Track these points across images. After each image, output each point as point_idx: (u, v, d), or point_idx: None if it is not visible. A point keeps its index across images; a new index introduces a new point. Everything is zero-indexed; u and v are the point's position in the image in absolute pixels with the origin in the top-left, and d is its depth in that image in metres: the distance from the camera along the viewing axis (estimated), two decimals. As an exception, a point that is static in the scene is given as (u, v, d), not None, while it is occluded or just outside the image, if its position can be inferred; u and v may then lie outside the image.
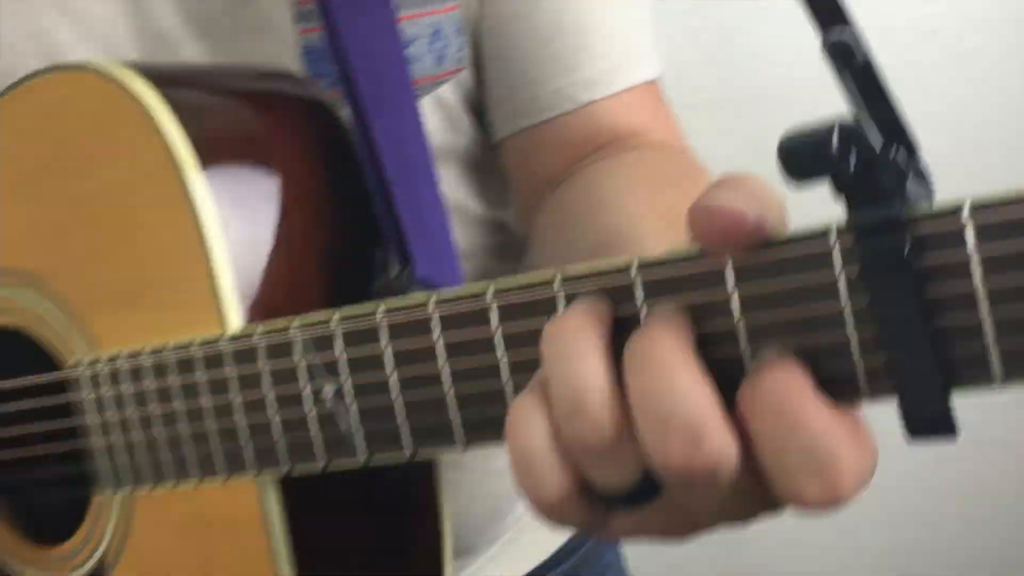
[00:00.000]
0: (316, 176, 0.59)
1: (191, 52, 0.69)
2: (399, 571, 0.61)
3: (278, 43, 0.70)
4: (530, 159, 0.77)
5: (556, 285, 0.42)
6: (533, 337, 0.42)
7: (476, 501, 0.81)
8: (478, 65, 0.77)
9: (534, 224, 0.75)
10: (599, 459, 0.38)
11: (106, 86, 0.56)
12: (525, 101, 0.75)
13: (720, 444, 0.35)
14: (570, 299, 0.41)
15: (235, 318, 0.53)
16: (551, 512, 0.39)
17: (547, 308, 0.42)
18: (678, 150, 0.77)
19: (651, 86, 0.78)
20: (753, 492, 0.37)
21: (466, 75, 0.77)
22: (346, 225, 0.60)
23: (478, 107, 0.79)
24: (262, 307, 0.54)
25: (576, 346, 0.38)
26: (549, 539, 0.89)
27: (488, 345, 0.43)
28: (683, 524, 0.40)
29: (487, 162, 0.81)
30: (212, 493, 0.55)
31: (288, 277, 0.56)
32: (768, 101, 1.57)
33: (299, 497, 0.54)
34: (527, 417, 0.39)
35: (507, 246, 0.83)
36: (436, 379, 0.45)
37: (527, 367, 0.42)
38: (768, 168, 0.37)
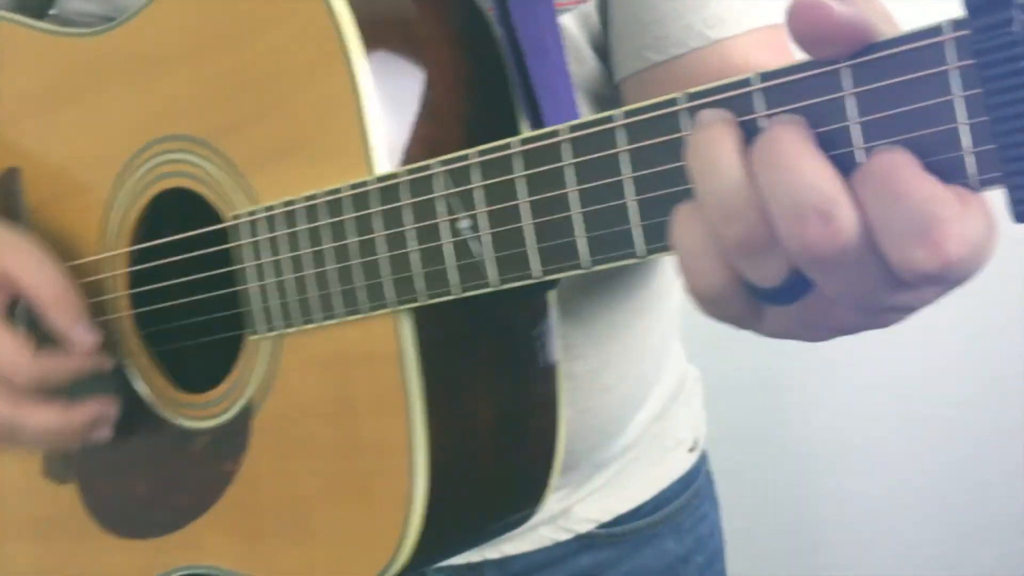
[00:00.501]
0: (456, 42, 0.64)
1: None
2: (516, 441, 0.65)
3: None
4: (657, 95, 0.80)
5: (681, 103, 0.45)
6: (657, 153, 0.45)
7: (586, 415, 0.84)
8: (604, 2, 0.80)
9: None
10: (750, 255, 0.42)
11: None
12: (654, 37, 0.78)
13: (847, 219, 0.38)
14: (692, 116, 0.44)
15: (382, 163, 0.58)
16: (711, 304, 0.43)
17: (670, 127, 0.45)
18: None
19: (778, 30, 0.79)
20: (879, 274, 0.40)
21: (590, 9, 0.80)
22: (482, 92, 0.65)
23: (601, 46, 0.82)
24: (407, 160, 0.59)
25: (715, 156, 0.42)
26: (651, 481, 0.92)
27: (614, 164, 0.47)
28: (826, 322, 0.44)
29: (608, 96, 0.85)
30: (352, 331, 0.61)
31: (430, 135, 0.61)
32: None
33: (433, 335, 0.59)
34: (687, 222, 0.43)
35: None
36: (564, 200, 0.49)
37: (650, 183, 0.46)
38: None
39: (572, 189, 0.49)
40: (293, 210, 0.61)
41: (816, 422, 1.67)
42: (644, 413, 0.91)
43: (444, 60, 0.63)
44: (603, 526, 0.89)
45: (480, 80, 0.64)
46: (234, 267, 0.65)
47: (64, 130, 0.77)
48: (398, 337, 0.58)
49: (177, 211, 0.72)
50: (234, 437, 0.68)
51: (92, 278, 0.76)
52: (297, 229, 0.61)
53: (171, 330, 0.75)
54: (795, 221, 0.39)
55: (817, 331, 0.45)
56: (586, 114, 0.81)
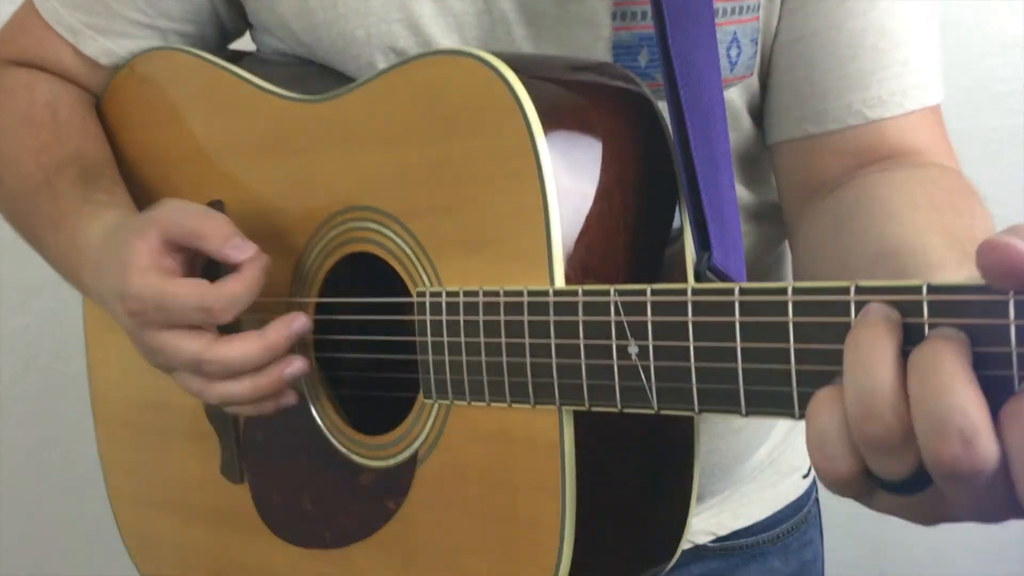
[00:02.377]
0: (635, 160, 0.70)
1: (520, 34, 0.81)
2: (656, 504, 0.72)
3: (594, 36, 0.80)
4: (809, 161, 0.84)
5: (851, 293, 0.49)
6: (820, 332, 0.50)
7: (714, 454, 0.91)
8: (766, 72, 0.84)
9: (807, 222, 0.82)
10: (881, 453, 0.45)
11: (481, 69, 0.68)
12: (813, 112, 0.81)
13: (987, 450, 0.42)
14: (858, 306, 0.49)
15: (560, 276, 0.65)
16: (833, 484, 0.48)
17: (839, 311, 0.50)
18: (957, 173, 0.81)
19: (935, 109, 0.82)
20: (1003, 496, 0.44)
21: (752, 81, 0.84)
22: (652, 206, 0.70)
23: (758, 111, 0.86)
24: (579, 267, 0.66)
25: (872, 355, 0.46)
26: (766, 503, 0.98)
27: (782, 332, 0.52)
28: (936, 514, 0.48)
29: (756, 156, 0.89)
30: (517, 415, 0.68)
31: (603, 245, 0.67)
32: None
33: (588, 430, 0.66)
34: (827, 407, 0.47)
35: (767, 234, 0.91)
36: (732, 353, 0.54)
37: (810, 357, 0.51)
38: None
39: (739, 344, 0.54)
40: (477, 302, 0.68)
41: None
42: (766, 447, 0.97)
43: (621, 172, 0.68)
44: (717, 539, 0.97)
45: (653, 199, 0.69)
46: (413, 337, 0.73)
47: (269, 179, 0.86)
48: (560, 430, 0.65)
49: (363, 273, 0.80)
50: (398, 480, 0.77)
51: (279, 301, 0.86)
52: (479, 319, 0.68)
53: (349, 378, 0.83)
54: (937, 437, 0.42)
55: (926, 519, 0.48)
56: (737, 178, 0.87)
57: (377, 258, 0.78)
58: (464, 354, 0.69)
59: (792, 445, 1.00)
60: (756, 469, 0.97)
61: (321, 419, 0.84)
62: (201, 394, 0.77)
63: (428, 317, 0.72)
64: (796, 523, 1.01)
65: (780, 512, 1.00)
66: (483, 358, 0.68)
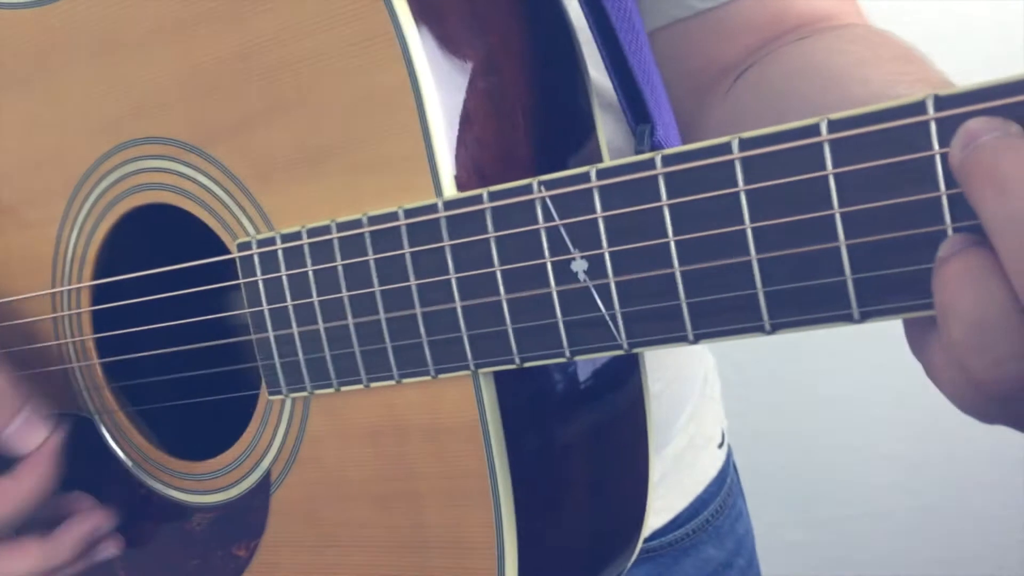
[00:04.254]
0: (519, 20, 0.50)
1: None
2: (608, 491, 0.53)
3: None
4: (701, 47, 0.67)
5: (929, 110, 0.32)
6: (886, 180, 0.33)
7: None
8: None
9: (715, 118, 0.66)
10: None
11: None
12: None
13: None
14: (944, 128, 0.32)
15: (449, 181, 0.44)
16: (994, 397, 0.30)
17: (912, 141, 0.32)
18: (889, 32, 0.67)
19: None
20: None
21: None
22: (552, 80, 0.51)
23: None
24: (472, 169, 0.46)
25: None
26: (687, 489, 0.81)
27: (819, 192, 0.34)
28: None
29: None
30: (409, 396, 0.47)
31: (498, 136, 0.47)
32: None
33: (515, 400, 0.46)
34: (980, 282, 0.30)
35: None
36: (740, 242, 0.36)
37: (883, 219, 0.33)
38: None
39: (748, 225, 0.36)
40: (330, 239, 0.47)
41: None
42: (684, 417, 0.80)
43: (510, 44, 0.49)
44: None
45: (553, 72, 0.50)
46: (241, 311, 0.51)
47: (4, 129, 0.61)
48: (479, 407, 0.45)
49: (155, 234, 0.57)
50: (245, 517, 0.54)
51: (43, 317, 0.61)
52: (336, 264, 0.47)
53: (154, 385, 0.60)
54: None
55: None
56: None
57: (171, 209, 0.55)
58: (320, 319, 0.48)
59: (703, 413, 0.84)
60: (677, 449, 0.80)
61: (121, 448, 0.60)
62: None
63: (260, 276, 0.50)
64: (722, 500, 0.84)
65: (703, 493, 0.82)
66: (349, 320, 0.47)
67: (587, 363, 0.50)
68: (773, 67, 0.62)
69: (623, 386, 0.53)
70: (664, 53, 0.69)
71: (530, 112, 0.50)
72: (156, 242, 0.58)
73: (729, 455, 0.87)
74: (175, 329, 0.57)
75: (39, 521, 0.55)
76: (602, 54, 0.49)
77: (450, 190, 0.44)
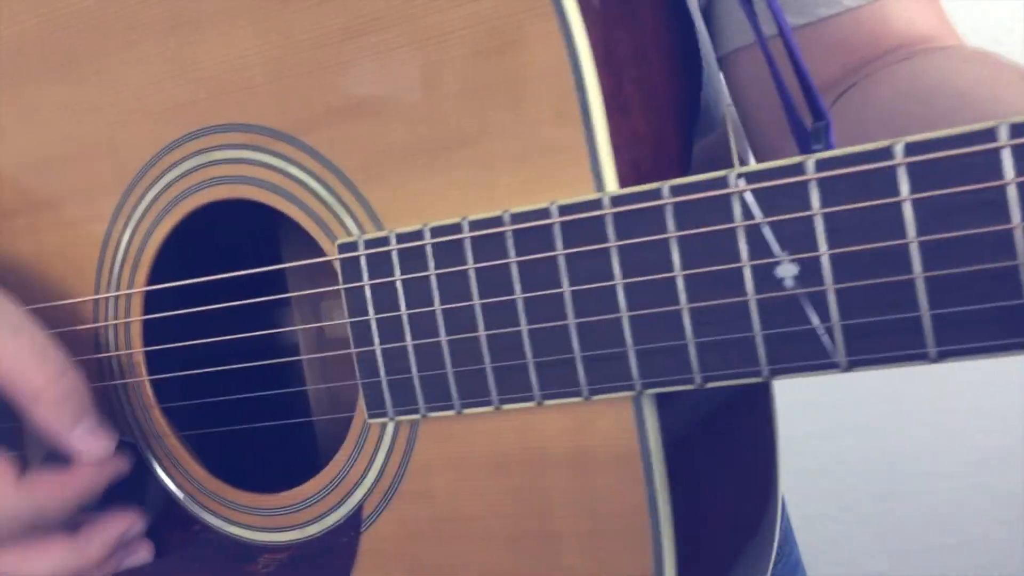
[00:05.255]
0: (657, 13, 0.45)
1: None
2: (748, 529, 0.47)
3: None
4: None
5: None
6: None
7: None
8: None
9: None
10: None
11: None
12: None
13: None
14: None
15: (611, 175, 0.39)
16: None
17: None
18: (999, 55, 0.63)
19: None
20: None
21: None
22: (684, 78, 0.46)
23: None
24: (630, 164, 0.40)
25: None
26: None
27: None
28: None
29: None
30: (553, 420, 0.41)
31: (652, 129, 0.42)
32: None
33: (673, 426, 0.40)
34: None
35: None
36: (1007, 244, 0.31)
37: None
38: None
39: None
40: (460, 240, 0.41)
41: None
42: None
43: (659, 35, 0.44)
44: None
45: (683, 70, 0.45)
46: (341, 320, 0.44)
47: (36, 115, 0.54)
48: (639, 434, 0.39)
49: (226, 236, 0.50)
50: (326, 558, 0.48)
51: (84, 327, 0.54)
52: (467, 268, 0.41)
53: (214, 409, 0.53)
54: None
55: None
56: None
57: (249, 207, 0.48)
58: (444, 331, 0.42)
59: None
60: None
61: (171, 477, 0.53)
62: None
63: (367, 281, 0.43)
64: (777, 550, 0.79)
65: None
66: (481, 332, 0.41)
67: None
68: (882, 87, 0.59)
69: (756, 410, 0.48)
70: (749, 73, 0.65)
71: (676, 110, 0.45)
72: (225, 244, 0.51)
73: (783, 505, 0.83)
74: (232, 347, 0.50)
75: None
76: (788, 50, 0.44)
77: (612, 185, 0.39)
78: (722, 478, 0.45)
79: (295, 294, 0.47)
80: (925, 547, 1.56)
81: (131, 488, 0.51)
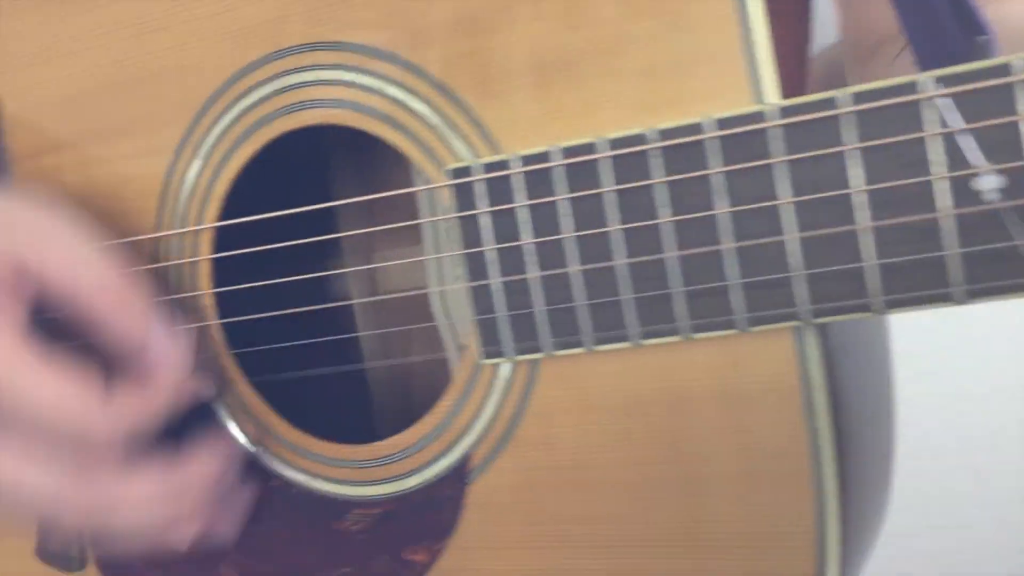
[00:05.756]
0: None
1: None
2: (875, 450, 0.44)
3: None
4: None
5: None
6: None
7: None
8: None
9: None
10: None
11: None
12: None
13: None
14: None
15: (771, 87, 0.36)
16: None
17: None
18: None
19: None
20: None
21: None
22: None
23: None
24: (784, 79, 0.37)
25: None
26: None
27: None
28: None
29: None
30: (694, 359, 0.38)
31: (793, 43, 0.39)
32: None
33: (832, 360, 0.37)
34: None
35: None
36: None
37: None
38: None
39: None
40: (595, 160, 0.37)
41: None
42: None
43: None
44: None
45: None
46: (444, 253, 0.41)
47: (89, 37, 0.50)
48: (801, 369, 0.36)
49: (310, 167, 0.46)
50: (427, 513, 0.44)
51: (146, 267, 0.49)
52: (605, 191, 0.37)
53: (268, 356, 0.49)
54: None
55: None
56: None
57: (337, 133, 0.44)
58: (578, 260, 0.38)
59: None
60: None
61: (242, 429, 0.49)
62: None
63: (485, 209, 0.40)
64: None
65: None
66: (619, 260, 0.37)
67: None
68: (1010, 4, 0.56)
69: (879, 342, 0.45)
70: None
71: (803, 18, 0.41)
72: (302, 178, 0.47)
73: None
74: (292, 291, 0.46)
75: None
76: None
77: (773, 95, 0.36)
78: (858, 424, 0.42)
79: (383, 227, 0.43)
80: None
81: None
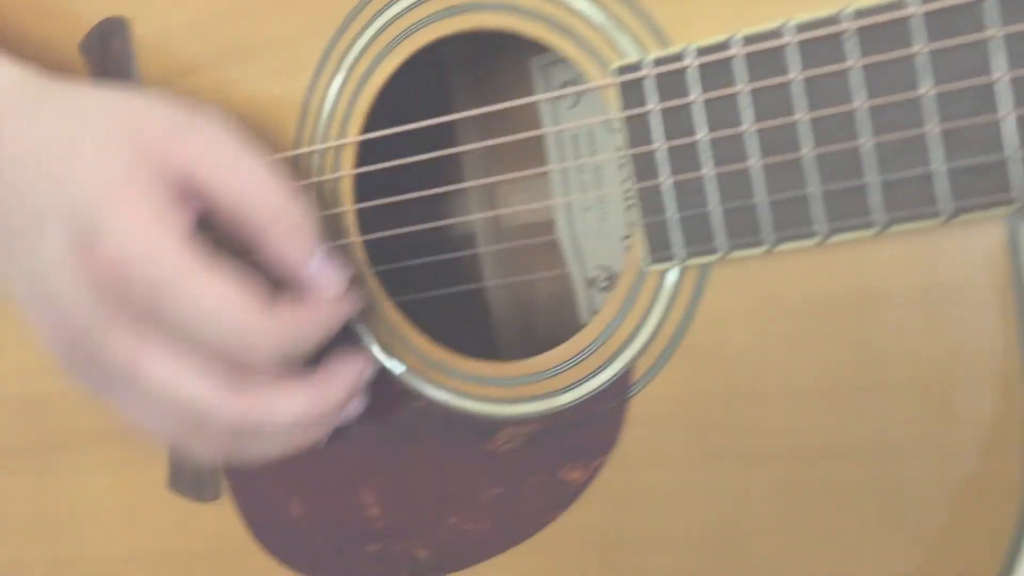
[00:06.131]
0: None
1: None
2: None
3: None
4: None
5: None
6: None
7: None
8: None
9: None
10: None
11: None
12: None
13: None
14: None
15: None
16: None
17: None
18: None
19: None
20: None
21: None
22: None
23: None
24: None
25: None
26: None
27: None
28: None
29: None
30: (885, 254, 0.36)
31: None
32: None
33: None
34: None
35: None
36: None
37: None
38: None
39: None
40: (781, 46, 0.35)
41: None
42: None
43: None
44: None
45: None
46: (616, 153, 0.39)
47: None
48: (1015, 261, 0.34)
49: (458, 77, 0.45)
50: (585, 429, 0.43)
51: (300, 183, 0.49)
52: (793, 78, 0.35)
53: (413, 272, 0.48)
54: None
55: None
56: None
57: (489, 39, 0.43)
58: (760, 153, 0.37)
59: None
60: None
61: (389, 351, 0.48)
62: (180, 443, 0.44)
63: (656, 106, 0.38)
64: None
65: None
66: (807, 151, 0.36)
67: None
68: None
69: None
70: None
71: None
72: (458, 86, 0.46)
73: None
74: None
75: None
76: None
77: (981, -31, 0.33)
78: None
79: (551, 129, 0.41)
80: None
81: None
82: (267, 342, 0.39)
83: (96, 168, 0.40)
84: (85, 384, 0.43)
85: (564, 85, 0.55)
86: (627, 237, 0.53)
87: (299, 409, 0.42)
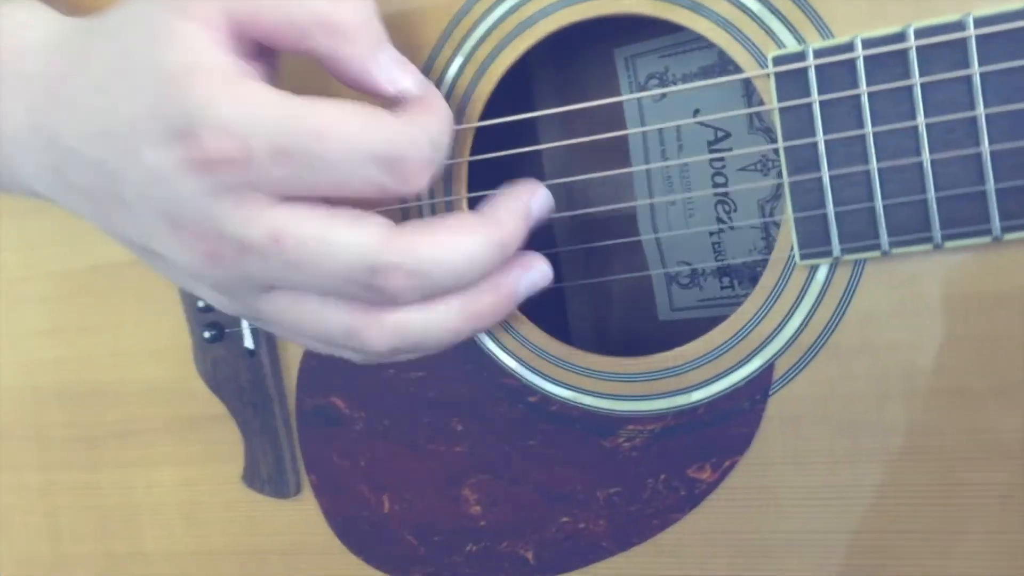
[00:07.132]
0: None
1: None
2: None
3: None
4: None
5: None
6: None
7: None
8: None
9: None
10: None
11: None
12: None
13: None
14: None
15: None
16: None
17: None
18: None
19: None
20: None
21: None
22: None
23: None
24: None
25: None
26: None
27: None
28: None
29: None
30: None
31: None
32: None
33: None
34: None
35: None
36: None
37: None
38: None
39: None
40: (962, 39, 0.35)
41: None
42: None
43: None
44: None
45: None
46: (758, 148, 0.38)
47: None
48: None
49: (590, 66, 0.43)
50: (716, 428, 0.42)
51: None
52: (972, 72, 0.35)
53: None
54: None
55: None
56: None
57: (630, 26, 0.42)
58: (927, 149, 0.36)
59: None
60: None
61: (495, 342, 0.46)
62: (349, 336, 0.39)
63: (815, 97, 0.37)
64: None
65: None
66: (985, 147, 0.35)
67: None
68: None
69: None
70: None
71: None
72: (539, 75, 0.44)
73: None
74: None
75: None
76: None
77: None
78: None
79: (691, 121, 0.40)
80: None
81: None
82: (420, 154, 0.36)
83: (154, 64, 0.36)
84: (241, 306, 0.40)
85: (650, 78, 0.54)
86: (764, 231, 0.52)
87: (470, 246, 0.37)
